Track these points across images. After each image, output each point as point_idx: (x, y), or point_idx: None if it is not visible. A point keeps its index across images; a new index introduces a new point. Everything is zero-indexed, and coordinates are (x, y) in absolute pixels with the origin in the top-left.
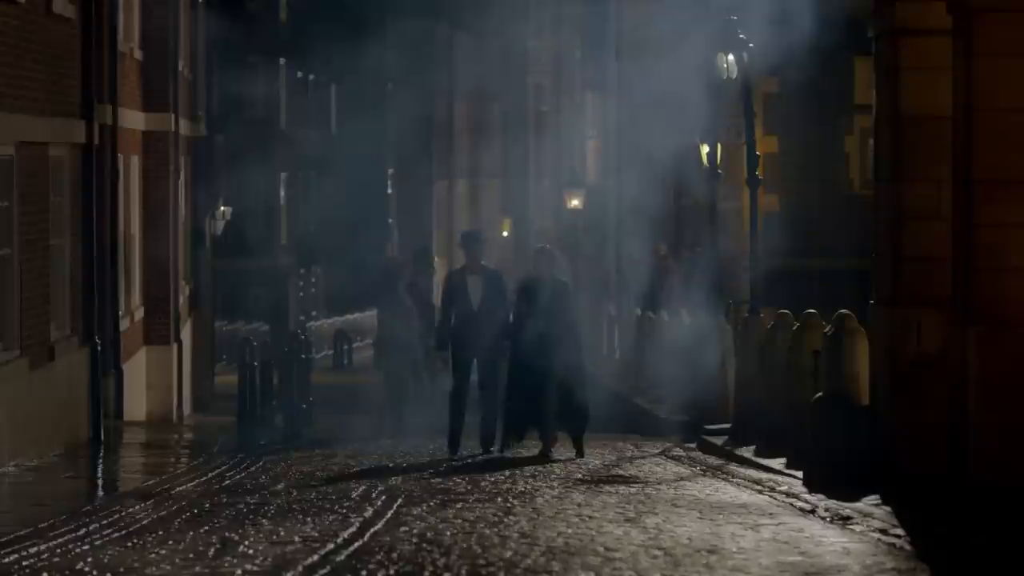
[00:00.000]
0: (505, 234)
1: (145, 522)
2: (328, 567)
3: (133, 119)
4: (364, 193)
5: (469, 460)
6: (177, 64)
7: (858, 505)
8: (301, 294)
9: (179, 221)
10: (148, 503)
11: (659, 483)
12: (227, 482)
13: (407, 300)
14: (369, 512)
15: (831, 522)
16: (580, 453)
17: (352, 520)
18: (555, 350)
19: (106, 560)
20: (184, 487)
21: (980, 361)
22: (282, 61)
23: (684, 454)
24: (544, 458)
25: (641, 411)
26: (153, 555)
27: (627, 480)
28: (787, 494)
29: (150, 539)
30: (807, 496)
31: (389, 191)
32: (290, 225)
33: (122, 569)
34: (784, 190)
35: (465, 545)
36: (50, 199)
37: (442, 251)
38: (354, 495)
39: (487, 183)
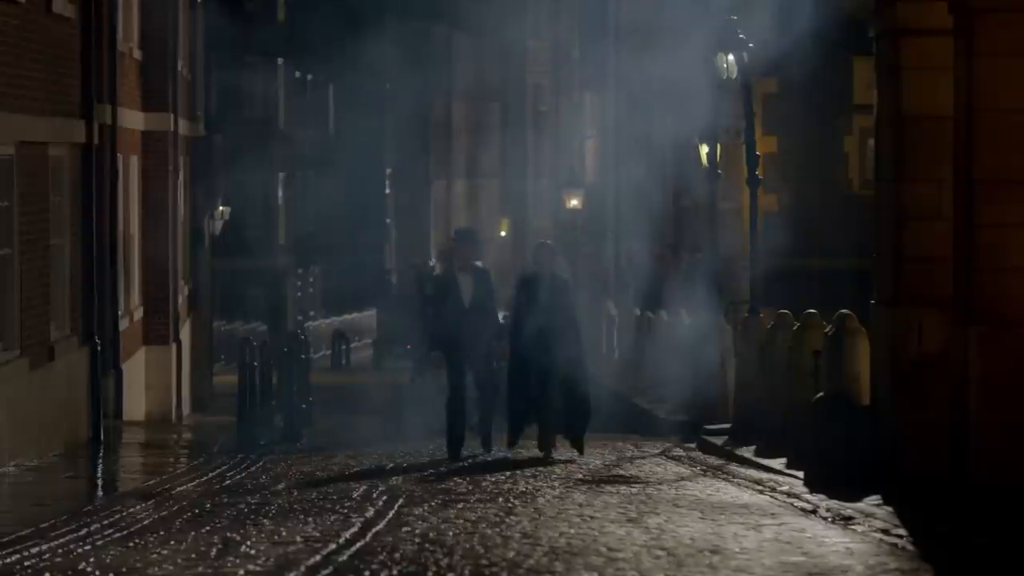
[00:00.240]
0: (503, 234)
1: (146, 522)
2: (331, 567)
3: (132, 119)
4: (362, 193)
5: (469, 461)
6: (176, 64)
7: (859, 505)
8: (299, 294)
9: (178, 221)
10: (149, 503)
11: (660, 483)
12: (227, 482)
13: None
14: (371, 512)
15: (833, 522)
16: (580, 451)
17: (354, 520)
18: (556, 346)
19: (108, 560)
20: (185, 487)
21: (981, 361)
22: (280, 61)
23: (684, 454)
24: (545, 458)
25: (641, 411)
26: (155, 555)
27: (628, 480)
28: (788, 494)
29: (152, 539)
30: (808, 496)
31: (387, 191)
32: (288, 225)
33: (124, 569)
34: (783, 190)
35: (468, 545)
36: (50, 199)
37: (440, 252)
38: (355, 495)
39: (485, 183)
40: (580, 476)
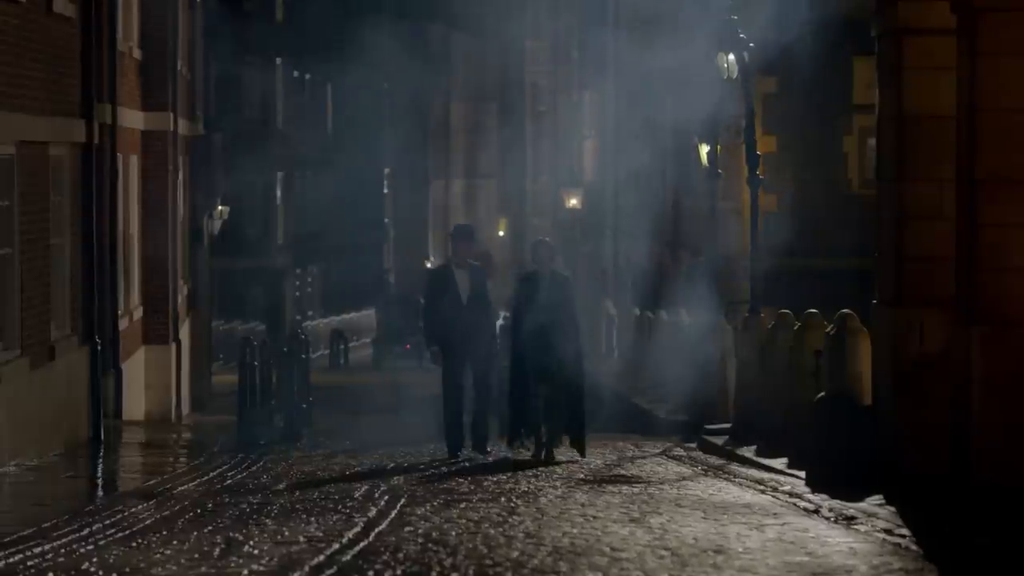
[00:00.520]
0: (501, 233)
1: (148, 522)
2: (335, 567)
3: (132, 118)
4: (360, 192)
5: (468, 462)
6: (176, 63)
7: (862, 505)
8: (297, 293)
9: (177, 220)
10: (150, 503)
11: (661, 483)
12: (229, 482)
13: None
14: (373, 512)
15: (836, 522)
16: (582, 453)
17: (356, 520)
18: (555, 345)
19: (111, 560)
20: (186, 487)
21: (984, 361)
22: (279, 60)
23: (685, 454)
24: (545, 460)
25: (641, 411)
26: (158, 555)
27: (629, 480)
28: (790, 494)
29: (154, 539)
30: (810, 496)
31: (385, 190)
32: (286, 224)
33: (128, 569)
34: (783, 190)
35: (471, 545)
36: (50, 198)
37: (438, 251)
38: (357, 495)
39: (484, 183)
40: (582, 476)
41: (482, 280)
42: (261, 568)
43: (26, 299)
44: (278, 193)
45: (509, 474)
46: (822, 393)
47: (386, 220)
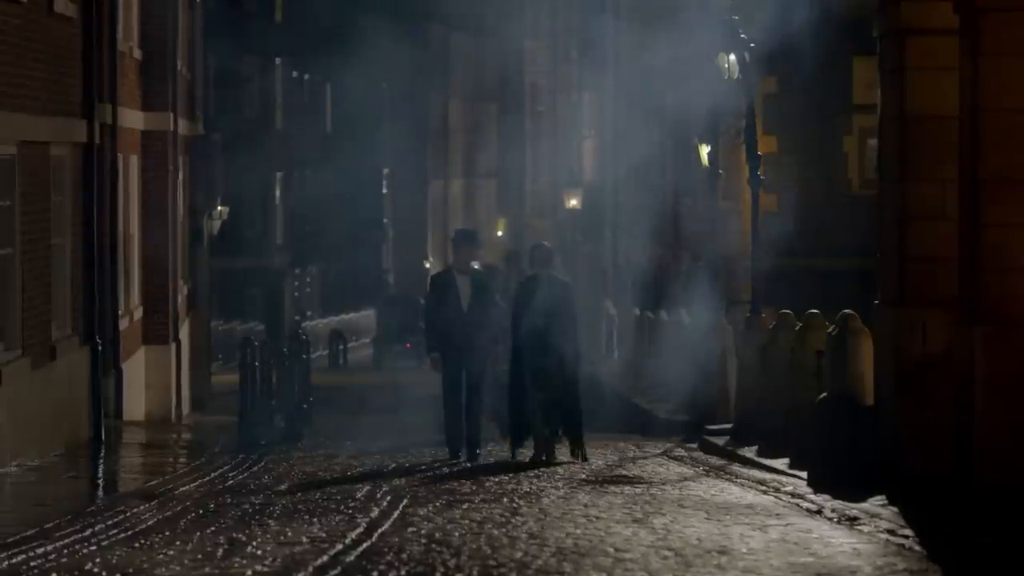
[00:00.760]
0: (500, 233)
1: (151, 523)
2: (339, 568)
3: (132, 118)
4: (359, 192)
5: (467, 463)
6: (176, 63)
7: (864, 505)
8: (296, 293)
9: (177, 220)
10: (152, 503)
11: (663, 483)
12: (230, 482)
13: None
14: (375, 513)
15: (839, 523)
16: (583, 457)
17: (359, 520)
18: (552, 348)
19: (114, 561)
20: (187, 487)
21: (987, 361)
22: (278, 60)
23: (686, 454)
24: (543, 462)
25: (641, 411)
26: (161, 556)
27: (631, 480)
28: (792, 494)
29: (157, 540)
30: (812, 496)
31: (384, 190)
32: (285, 224)
33: (131, 570)
34: (783, 190)
35: (475, 546)
36: (51, 199)
37: (437, 252)
38: (359, 495)
39: (482, 183)
40: (583, 476)
41: (485, 285)
42: (265, 569)
43: (27, 299)
44: (277, 193)
45: (511, 475)
46: (824, 393)
47: (385, 220)
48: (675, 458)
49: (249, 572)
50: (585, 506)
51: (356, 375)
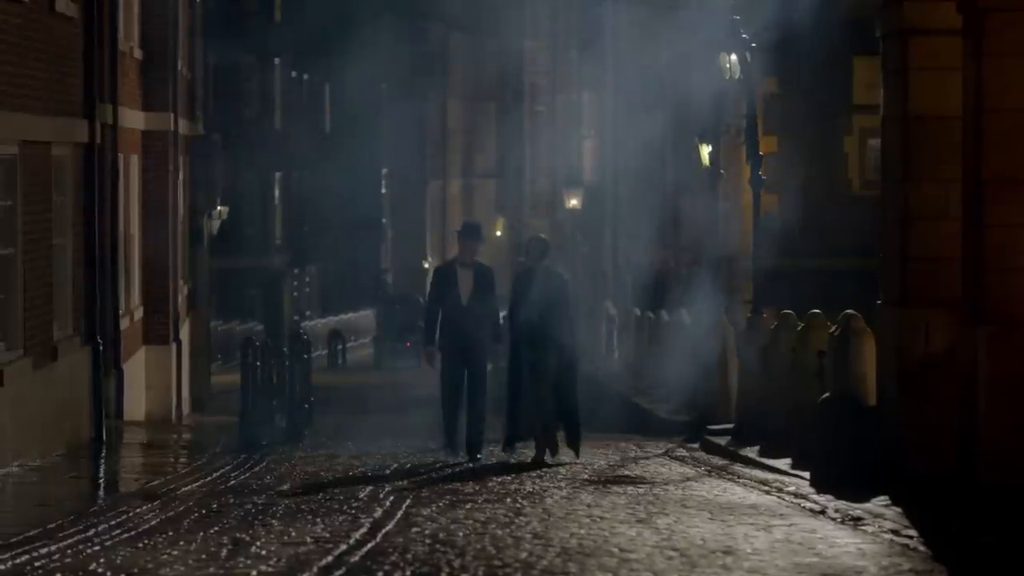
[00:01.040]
0: (499, 233)
1: (154, 523)
2: (344, 568)
3: (133, 118)
4: (358, 192)
5: (468, 464)
6: (176, 63)
7: (868, 506)
8: (295, 293)
9: (178, 220)
10: (155, 503)
11: (666, 483)
12: (232, 482)
13: None
14: (379, 513)
15: (843, 523)
16: (576, 453)
17: (362, 521)
18: (549, 344)
19: (119, 561)
20: (189, 487)
21: (990, 361)
22: (276, 60)
23: (687, 454)
24: (541, 463)
25: (642, 411)
26: (165, 556)
27: (634, 480)
28: (795, 495)
29: (161, 540)
30: (815, 497)
31: (383, 190)
32: (284, 224)
33: (136, 570)
34: (783, 190)
35: (479, 546)
36: (53, 199)
37: (435, 251)
38: (362, 495)
39: (481, 183)
40: (586, 476)
41: (488, 279)
42: (270, 569)
43: (29, 299)
44: (276, 193)
45: (513, 475)
46: (827, 394)
47: (384, 220)
48: (677, 458)
49: (254, 572)
50: (588, 506)
51: (356, 375)
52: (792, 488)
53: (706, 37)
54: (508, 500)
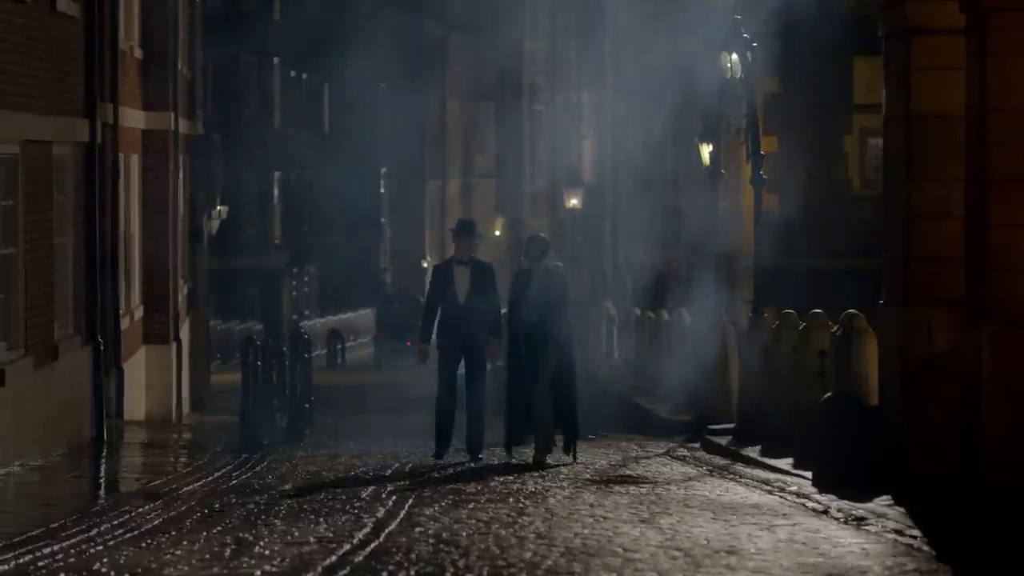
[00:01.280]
0: (498, 233)
1: (157, 522)
2: (348, 568)
3: (133, 118)
4: (357, 192)
5: (469, 464)
6: (176, 63)
7: (870, 506)
8: (294, 293)
9: (178, 220)
10: (157, 503)
11: (668, 483)
12: (234, 482)
13: None
14: (381, 512)
15: (846, 523)
16: (574, 456)
17: (365, 520)
18: (547, 342)
19: (122, 561)
20: (191, 487)
21: (994, 361)
22: (276, 60)
23: (689, 454)
24: (540, 464)
25: (643, 411)
26: (169, 556)
27: (636, 480)
28: (798, 494)
29: (164, 539)
30: (818, 496)
31: (382, 190)
32: (283, 224)
33: (139, 570)
34: (783, 190)
35: (483, 546)
36: (54, 198)
37: (435, 251)
38: (364, 495)
39: (480, 182)
40: (588, 476)
41: (486, 276)
42: (274, 569)
43: (30, 299)
44: (275, 192)
45: (515, 475)
46: (829, 393)
47: (383, 220)
48: (678, 458)
49: (258, 572)
50: (591, 506)
51: (356, 374)
52: (794, 488)
53: (706, 36)
54: (511, 500)
